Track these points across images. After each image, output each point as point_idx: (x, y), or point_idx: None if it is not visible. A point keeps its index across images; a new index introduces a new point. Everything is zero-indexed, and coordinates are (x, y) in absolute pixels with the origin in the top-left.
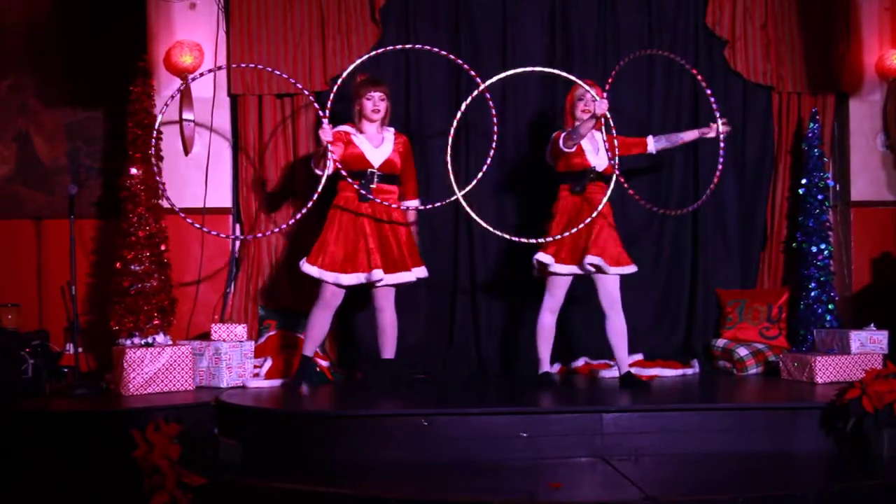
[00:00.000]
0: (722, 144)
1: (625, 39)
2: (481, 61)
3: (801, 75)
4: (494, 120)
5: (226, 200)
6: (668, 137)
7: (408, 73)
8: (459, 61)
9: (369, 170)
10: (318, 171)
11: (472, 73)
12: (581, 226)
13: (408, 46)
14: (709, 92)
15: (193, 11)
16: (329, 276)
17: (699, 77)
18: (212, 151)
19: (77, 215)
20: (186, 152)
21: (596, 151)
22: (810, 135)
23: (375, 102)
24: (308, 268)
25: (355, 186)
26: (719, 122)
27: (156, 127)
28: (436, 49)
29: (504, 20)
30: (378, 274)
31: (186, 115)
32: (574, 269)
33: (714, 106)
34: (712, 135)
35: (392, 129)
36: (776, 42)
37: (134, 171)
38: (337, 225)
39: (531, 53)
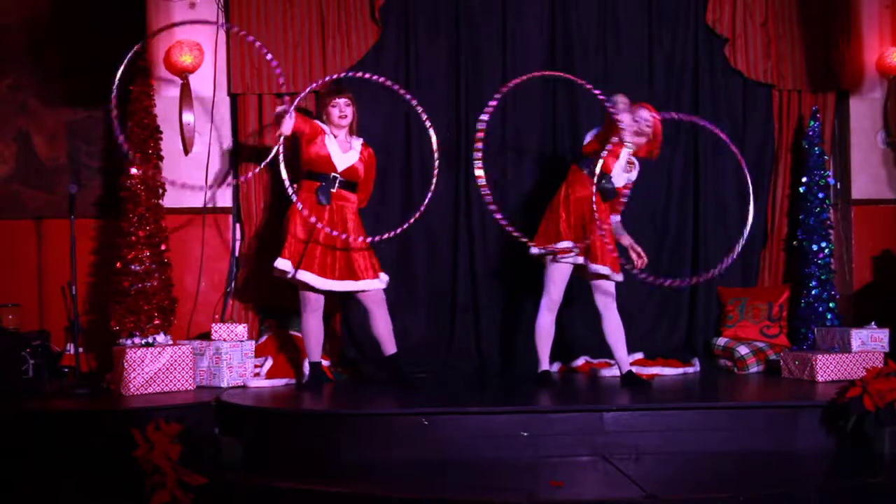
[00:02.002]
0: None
1: (625, 38)
2: (481, 60)
3: (801, 73)
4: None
5: (226, 200)
6: (618, 227)
7: (407, 74)
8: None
9: (332, 174)
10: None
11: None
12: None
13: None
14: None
15: (193, 10)
16: (301, 276)
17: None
18: (212, 151)
19: (77, 215)
20: (186, 152)
21: (621, 169)
22: (811, 133)
23: (342, 109)
24: (295, 270)
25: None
26: (639, 257)
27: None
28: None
29: (504, 18)
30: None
31: (186, 116)
32: (583, 261)
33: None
34: (633, 257)
35: (361, 140)
36: (776, 40)
37: (134, 170)
38: (297, 226)
39: (531, 52)
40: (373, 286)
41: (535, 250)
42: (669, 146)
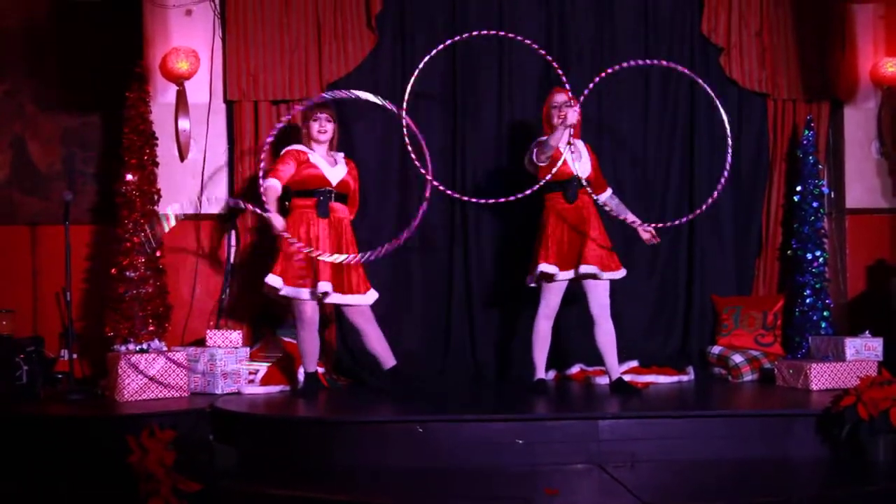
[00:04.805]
0: (729, 160)
1: (621, 48)
2: (477, 69)
3: (796, 83)
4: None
5: (222, 207)
6: (618, 205)
7: (403, 81)
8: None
9: (327, 188)
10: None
11: None
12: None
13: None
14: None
15: (189, 17)
16: (290, 291)
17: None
18: (208, 158)
19: (72, 221)
20: (182, 158)
21: (579, 158)
22: (805, 142)
23: (322, 124)
24: (273, 279)
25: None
26: (647, 232)
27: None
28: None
29: (501, 27)
30: (324, 286)
31: (182, 122)
32: (573, 273)
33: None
34: (644, 236)
35: (342, 154)
36: (771, 50)
37: (129, 177)
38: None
39: (527, 61)
40: (359, 301)
41: (531, 283)
42: (664, 151)
